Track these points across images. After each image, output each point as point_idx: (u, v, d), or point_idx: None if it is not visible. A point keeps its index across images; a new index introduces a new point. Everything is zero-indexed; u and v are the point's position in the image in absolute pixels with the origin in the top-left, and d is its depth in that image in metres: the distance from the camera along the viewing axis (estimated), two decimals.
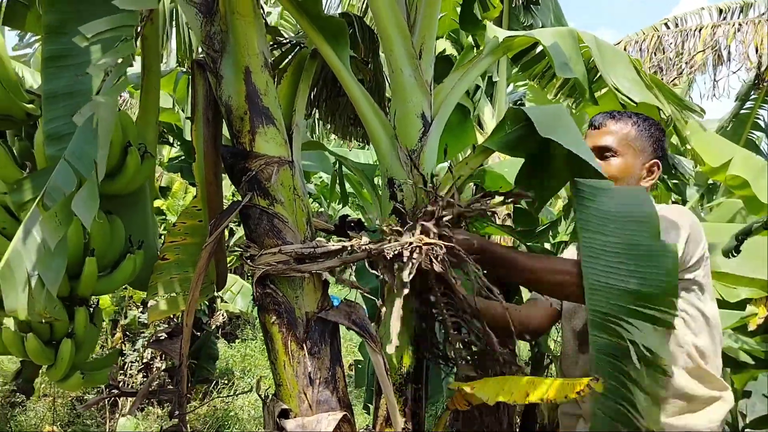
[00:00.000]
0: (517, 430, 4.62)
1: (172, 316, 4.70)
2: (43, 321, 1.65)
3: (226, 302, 6.89)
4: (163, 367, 5.50)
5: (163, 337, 1.91)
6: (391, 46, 2.04)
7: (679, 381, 1.87)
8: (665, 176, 3.76)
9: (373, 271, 1.93)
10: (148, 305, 2.14)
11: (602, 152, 2.04)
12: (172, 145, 8.59)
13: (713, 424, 1.89)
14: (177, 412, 1.82)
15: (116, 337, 5.50)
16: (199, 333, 6.45)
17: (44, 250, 1.34)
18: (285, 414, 1.85)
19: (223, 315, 7.23)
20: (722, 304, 4.16)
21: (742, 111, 6.69)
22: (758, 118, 6.78)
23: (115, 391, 1.88)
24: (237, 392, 6.36)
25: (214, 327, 6.99)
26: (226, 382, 6.59)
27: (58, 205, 1.30)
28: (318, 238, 1.98)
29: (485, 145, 2.03)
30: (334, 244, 1.92)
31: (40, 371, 2.11)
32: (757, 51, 4.28)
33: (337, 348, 1.94)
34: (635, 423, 1.46)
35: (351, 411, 1.92)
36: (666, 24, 4.90)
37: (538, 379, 1.71)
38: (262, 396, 1.96)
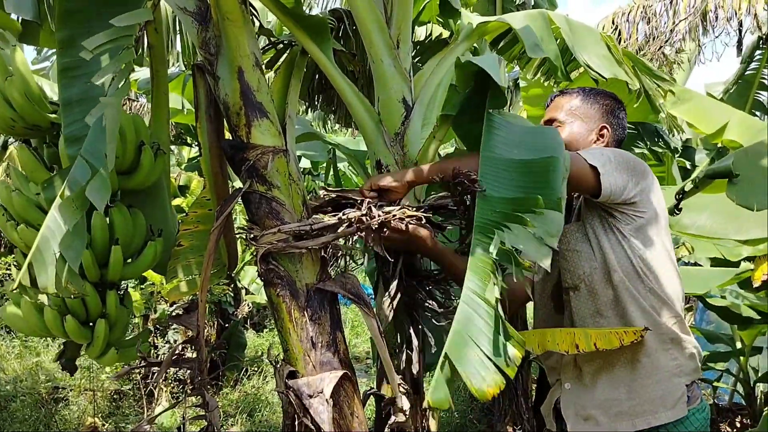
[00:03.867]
0: (534, 394, 4.80)
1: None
2: (72, 296, 1.89)
3: (252, 294, 7.17)
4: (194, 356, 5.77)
5: (180, 313, 2.14)
6: (370, 39, 2.24)
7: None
8: (648, 143, 3.88)
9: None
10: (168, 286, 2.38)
11: (550, 124, 2.18)
12: (190, 145, 8.87)
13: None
14: (198, 378, 2.06)
15: None
16: (226, 324, 6.74)
17: (65, 233, 1.57)
18: (293, 375, 2.08)
19: (249, 305, 7.51)
20: (723, 262, 4.29)
21: (747, 72, 6.67)
22: (764, 79, 6.74)
23: (143, 363, 2.11)
24: (266, 378, 6.64)
25: (241, 317, 7.26)
26: (255, 369, 6.87)
27: (75, 193, 1.53)
28: (314, 216, 2.19)
29: (443, 113, 2.19)
30: (328, 219, 2.13)
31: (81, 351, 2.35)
32: (735, 15, 4.38)
33: (336, 315, 2.16)
34: (500, 318, 1.58)
35: (352, 371, 2.14)
36: None
37: (578, 330, 1.89)
38: (273, 362, 2.19)
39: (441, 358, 1.58)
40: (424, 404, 2.18)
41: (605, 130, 2.14)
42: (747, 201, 1.53)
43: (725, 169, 1.57)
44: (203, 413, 2.09)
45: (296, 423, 2.06)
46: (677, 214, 1.83)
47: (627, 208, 1.92)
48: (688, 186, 1.74)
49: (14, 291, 1.68)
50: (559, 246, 2.04)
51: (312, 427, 1.97)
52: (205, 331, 6.04)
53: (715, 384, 4.91)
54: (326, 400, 1.97)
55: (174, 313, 5.08)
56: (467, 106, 2.13)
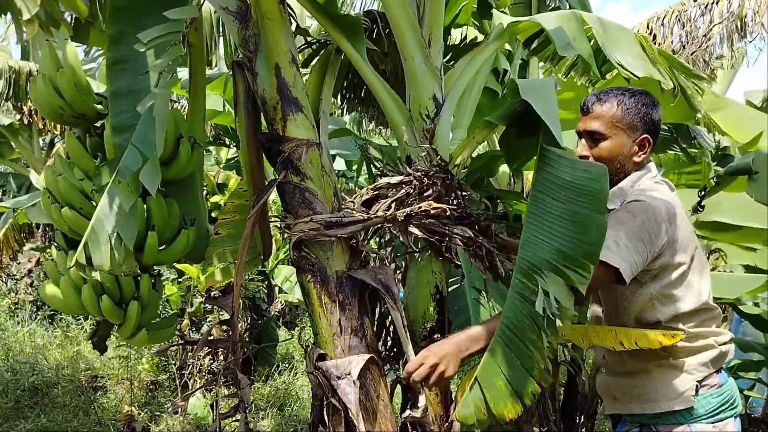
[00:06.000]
0: (561, 397, 4.80)
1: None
2: (124, 274, 2.01)
3: (285, 292, 7.30)
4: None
5: (218, 295, 2.25)
6: (403, 38, 2.32)
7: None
8: (685, 146, 3.84)
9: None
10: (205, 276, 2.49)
11: (592, 136, 2.08)
12: (228, 146, 9.06)
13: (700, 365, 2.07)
14: (231, 358, 2.16)
15: (184, 324, 5.95)
16: (259, 320, 6.88)
17: (121, 214, 1.69)
18: (322, 358, 2.17)
19: (281, 303, 7.64)
20: (756, 270, 4.26)
21: None
22: None
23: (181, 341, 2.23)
24: (296, 374, 6.75)
25: (274, 314, 7.41)
26: (286, 365, 7.00)
27: (130, 177, 1.65)
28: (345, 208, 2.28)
29: (488, 119, 2.28)
30: (358, 212, 2.21)
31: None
32: None
33: (365, 302, 2.24)
34: (528, 355, 1.72)
35: (379, 355, 2.22)
36: None
37: (619, 329, 1.97)
38: (303, 345, 2.28)
39: (472, 381, 1.78)
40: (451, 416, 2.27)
41: (646, 142, 2.08)
42: (764, 197, 1.57)
43: (745, 166, 1.62)
44: (236, 392, 2.19)
45: (324, 403, 2.15)
46: (700, 211, 1.87)
47: (652, 264, 1.96)
48: (710, 183, 1.78)
49: (69, 269, 1.80)
50: None
51: (339, 407, 2.06)
52: (239, 325, 6.19)
53: (747, 393, 4.85)
54: (353, 381, 2.06)
55: (212, 297, 5.23)
56: (515, 120, 2.23)
